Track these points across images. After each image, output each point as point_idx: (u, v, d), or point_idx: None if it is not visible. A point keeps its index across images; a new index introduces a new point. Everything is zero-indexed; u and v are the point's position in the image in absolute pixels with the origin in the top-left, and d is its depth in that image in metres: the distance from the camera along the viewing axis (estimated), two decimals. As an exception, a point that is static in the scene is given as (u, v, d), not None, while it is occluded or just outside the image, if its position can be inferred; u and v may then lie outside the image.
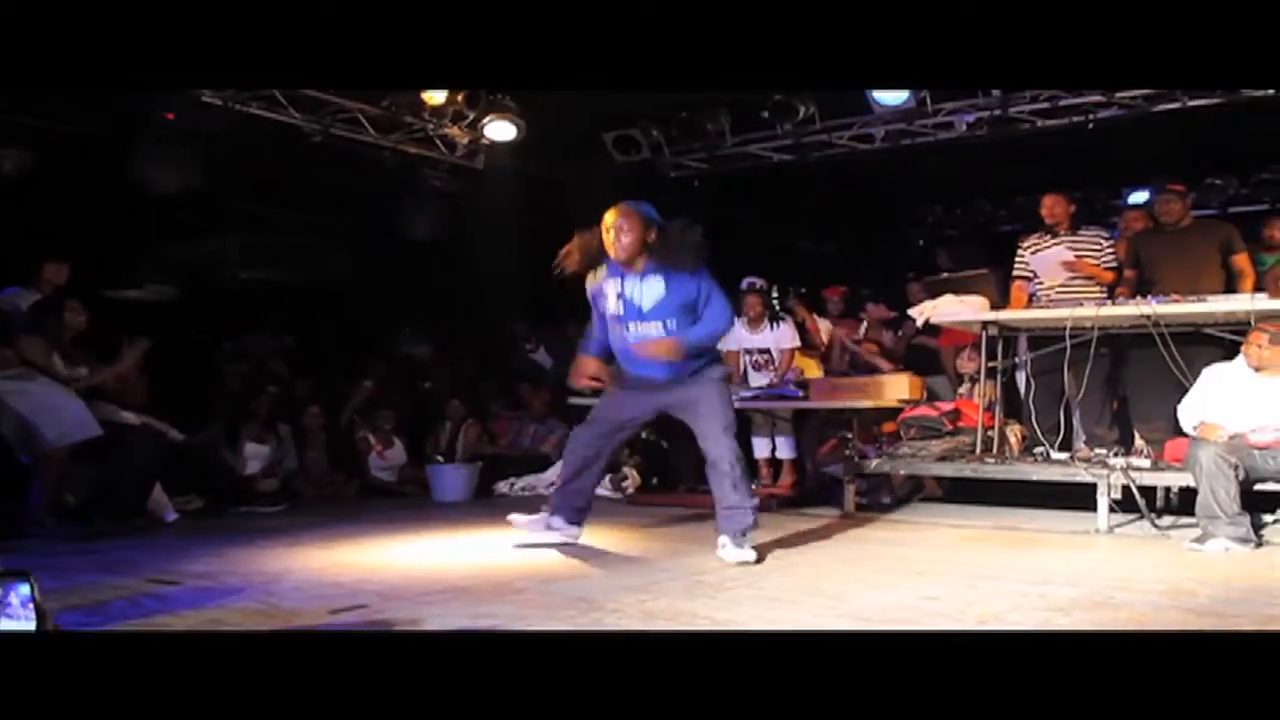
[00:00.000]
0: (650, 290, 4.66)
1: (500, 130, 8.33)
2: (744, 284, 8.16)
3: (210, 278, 9.25)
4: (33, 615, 2.38)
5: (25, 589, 2.38)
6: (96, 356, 6.00)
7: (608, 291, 4.74)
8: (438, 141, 8.65)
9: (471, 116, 8.29)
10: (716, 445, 4.68)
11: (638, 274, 4.68)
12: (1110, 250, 6.55)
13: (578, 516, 5.06)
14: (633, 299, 4.67)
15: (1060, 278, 6.50)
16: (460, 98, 8.06)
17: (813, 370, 7.93)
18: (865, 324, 8.52)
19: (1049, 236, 6.64)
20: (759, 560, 4.54)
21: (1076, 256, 6.46)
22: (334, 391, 8.50)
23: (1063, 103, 7.70)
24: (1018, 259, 6.79)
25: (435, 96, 7.95)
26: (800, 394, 6.96)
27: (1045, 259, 6.56)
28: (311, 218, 9.65)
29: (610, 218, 4.66)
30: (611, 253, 4.65)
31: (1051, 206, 6.65)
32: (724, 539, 4.63)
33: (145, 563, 4.52)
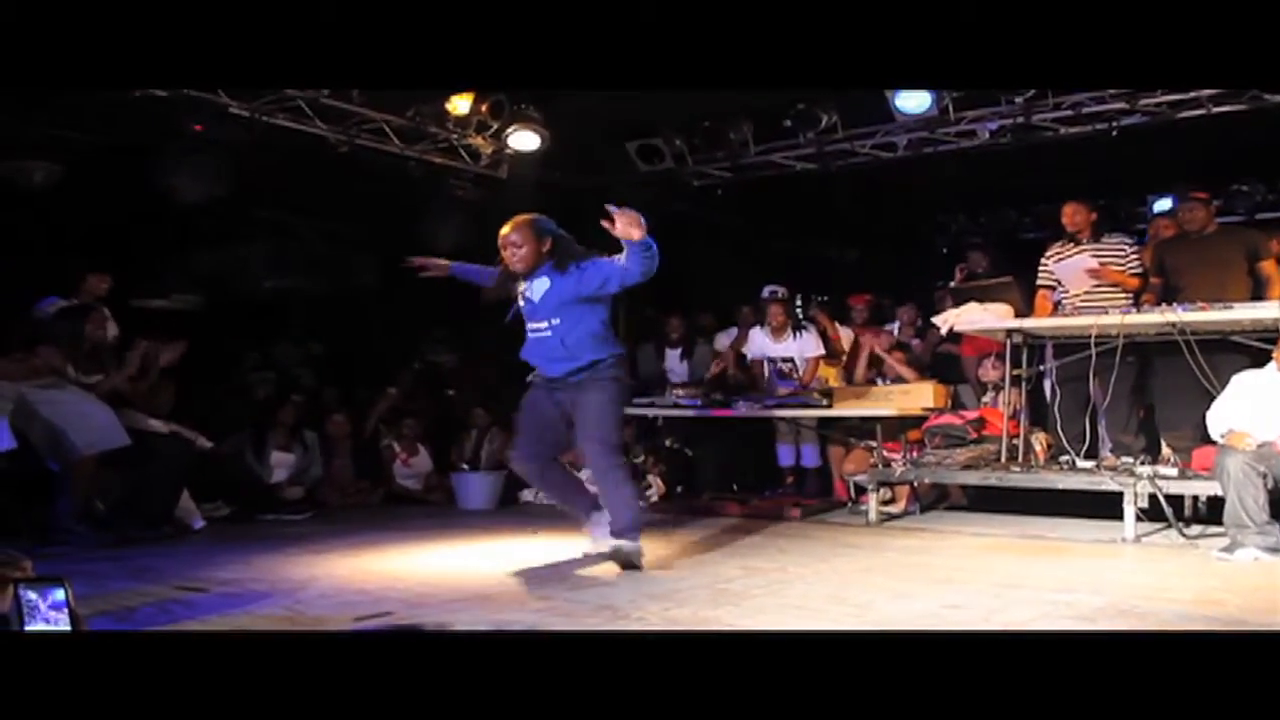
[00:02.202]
0: (539, 288, 4.85)
1: (524, 140, 8.35)
2: (765, 292, 8.16)
3: (236, 287, 9.31)
4: (66, 620, 2.41)
5: (60, 594, 2.42)
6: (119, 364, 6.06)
7: (520, 290, 4.93)
8: (462, 151, 8.69)
9: (495, 126, 8.32)
10: (590, 454, 4.83)
11: (538, 276, 4.86)
12: (1135, 257, 6.52)
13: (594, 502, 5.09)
14: (530, 297, 4.89)
15: (1085, 285, 6.47)
16: (484, 107, 8.08)
17: (834, 379, 7.92)
18: (899, 326, 8.50)
19: (1072, 245, 6.62)
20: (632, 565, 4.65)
21: (1101, 264, 6.44)
22: (360, 400, 8.55)
23: (1086, 110, 7.64)
24: (1041, 268, 6.77)
25: (459, 106, 7.97)
26: (824, 402, 6.95)
27: (1069, 267, 6.54)
28: (337, 227, 9.70)
29: (506, 231, 4.84)
30: (511, 263, 4.84)
31: (1072, 215, 6.62)
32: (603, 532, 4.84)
33: (173, 569, 4.56)
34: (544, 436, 5.00)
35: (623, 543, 4.66)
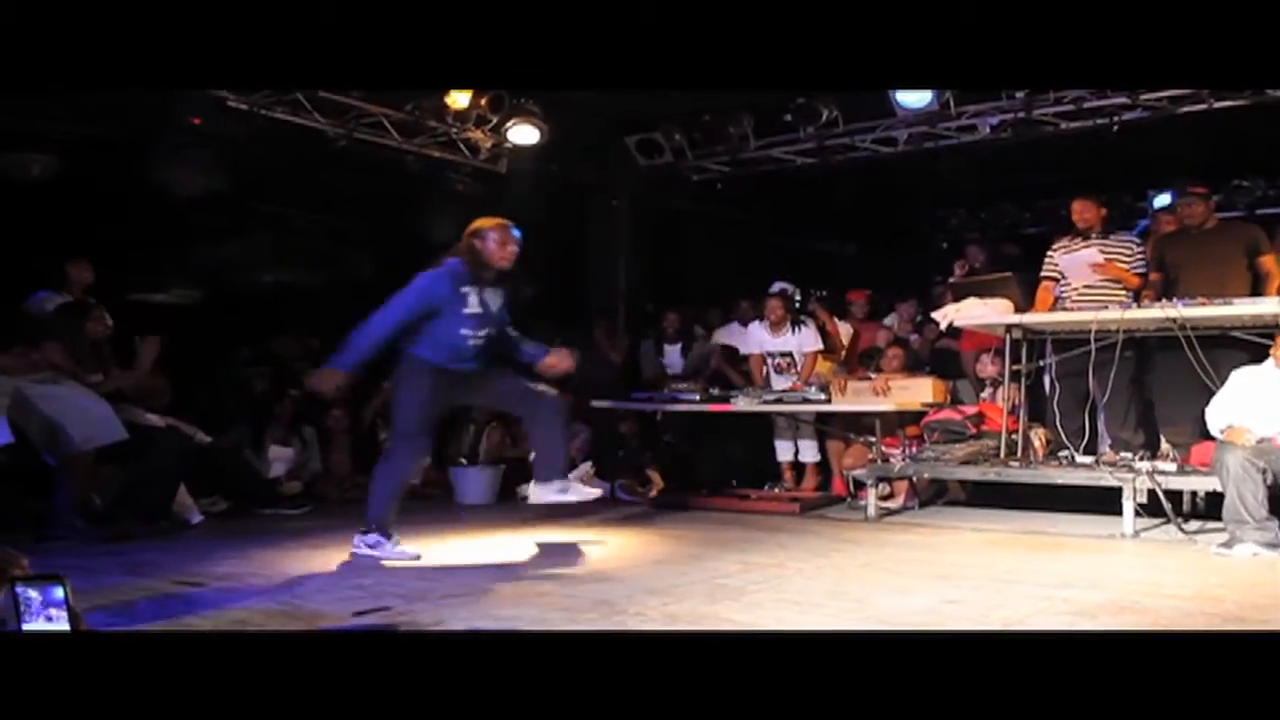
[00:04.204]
0: (496, 302, 5.13)
1: (523, 134, 8.34)
2: (776, 287, 8.15)
3: (235, 281, 9.30)
4: (65, 618, 2.40)
5: (59, 592, 2.41)
6: (117, 361, 6.04)
7: (467, 294, 5.02)
8: (461, 145, 8.68)
9: (494, 120, 8.31)
10: (548, 393, 5.18)
11: (491, 284, 5.10)
12: (1140, 256, 6.47)
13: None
14: (489, 307, 5.09)
15: (1087, 279, 6.44)
16: (483, 101, 8.08)
17: (831, 374, 7.89)
18: (897, 322, 8.50)
19: (1080, 239, 6.58)
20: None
21: (1106, 260, 6.41)
22: (358, 394, 8.52)
23: (1087, 105, 7.64)
24: (1047, 260, 6.73)
25: (458, 100, 7.96)
26: (823, 397, 6.93)
27: (1075, 260, 6.50)
28: (335, 221, 9.69)
29: (508, 229, 5.07)
30: (507, 259, 5.05)
31: (1081, 211, 6.59)
32: (546, 484, 5.08)
33: (170, 564, 4.55)
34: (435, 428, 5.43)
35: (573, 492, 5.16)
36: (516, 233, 5.06)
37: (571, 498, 5.10)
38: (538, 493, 5.09)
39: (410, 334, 5.01)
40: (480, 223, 5.08)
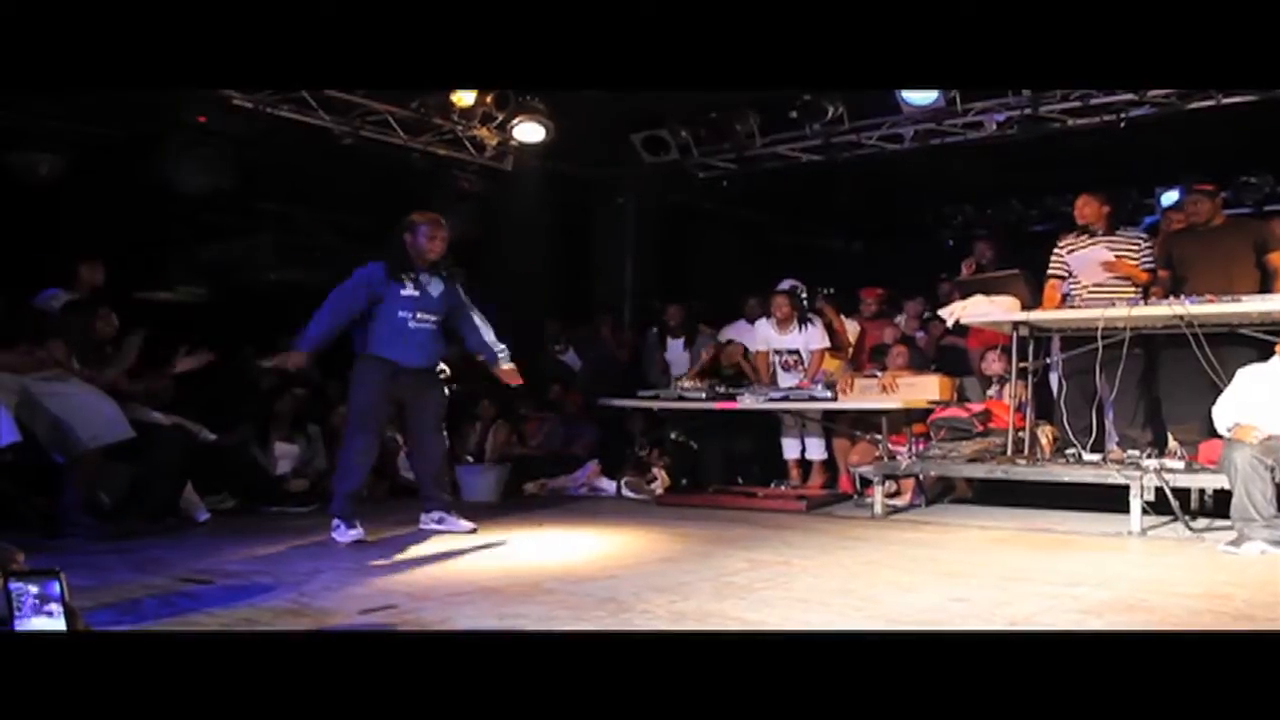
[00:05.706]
0: (435, 288, 5.57)
1: (529, 132, 8.34)
2: (786, 284, 8.14)
3: (241, 279, 9.30)
4: (61, 614, 2.39)
5: (55, 587, 2.40)
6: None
7: (404, 280, 5.49)
8: (466, 143, 8.68)
9: (500, 118, 8.31)
10: (435, 444, 5.71)
11: (429, 273, 5.56)
12: (1149, 252, 6.45)
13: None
14: (427, 291, 5.53)
15: (1097, 277, 6.42)
16: (489, 99, 8.07)
17: (838, 372, 7.88)
18: (904, 319, 8.49)
19: (1087, 236, 6.55)
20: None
21: (1116, 257, 6.38)
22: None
23: (1094, 101, 7.62)
24: (1054, 257, 6.70)
25: (464, 98, 7.96)
26: (830, 395, 6.92)
27: (1083, 258, 6.47)
28: (341, 219, 9.69)
29: (442, 220, 5.62)
30: (435, 251, 5.52)
31: (1082, 207, 6.57)
32: (437, 516, 5.65)
33: (177, 562, 4.55)
34: (383, 431, 5.88)
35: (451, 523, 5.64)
36: (443, 225, 5.58)
37: (445, 529, 5.57)
38: (422, 520, 5.68)
39: (361, 333, 5.49)
40: (412, 216, 5.55)
